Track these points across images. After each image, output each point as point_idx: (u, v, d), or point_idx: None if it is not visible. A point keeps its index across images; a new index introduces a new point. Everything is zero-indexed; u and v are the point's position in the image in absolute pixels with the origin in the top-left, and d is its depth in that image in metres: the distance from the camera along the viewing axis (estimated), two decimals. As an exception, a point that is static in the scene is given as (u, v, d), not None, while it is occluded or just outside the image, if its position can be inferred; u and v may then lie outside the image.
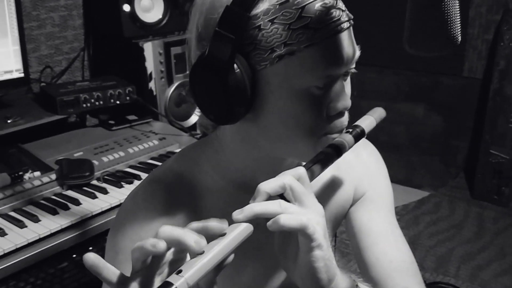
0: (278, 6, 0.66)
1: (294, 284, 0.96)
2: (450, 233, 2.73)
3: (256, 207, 0.61)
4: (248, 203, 0.62)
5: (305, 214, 0.62)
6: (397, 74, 3.31)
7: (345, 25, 0.69)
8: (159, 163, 1.71)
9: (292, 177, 0.64)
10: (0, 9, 1.74)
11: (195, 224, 0.59)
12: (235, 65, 0.67)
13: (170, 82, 2.11)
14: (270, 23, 0.66)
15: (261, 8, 0.67)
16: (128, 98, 1.93)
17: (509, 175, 2.94)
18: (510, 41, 2.68)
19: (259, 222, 0.62)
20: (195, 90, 0.71)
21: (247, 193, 0.78)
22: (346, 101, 0.72)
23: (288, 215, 0.61)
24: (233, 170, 0.81)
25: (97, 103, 1.87)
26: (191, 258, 0.56)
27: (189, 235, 0.55)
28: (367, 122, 0.82)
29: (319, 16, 0.66)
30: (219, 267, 0.57)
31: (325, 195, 0.91)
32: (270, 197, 0.63)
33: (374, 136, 0.90)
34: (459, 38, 0.69)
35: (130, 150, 1.75)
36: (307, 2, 0.66)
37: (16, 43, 1.80)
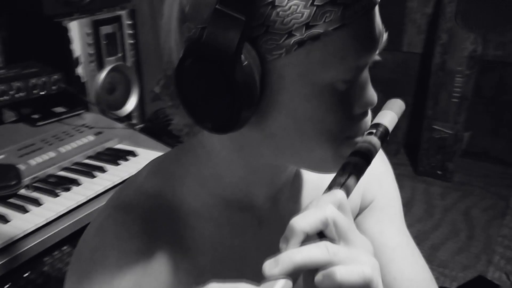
0: None
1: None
2: (400, 213, 2.69)
3: (297, 256, 0.43)
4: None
5: (361, 260, 0.45)
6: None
7: None
8: (98, 163, 1.48)
9: (334, 208, 0.47)
10: None
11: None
12: (242, 56, 0.48)
13: (100, 66, 1.88)
14: None
15: None
16: (54, 87, 1.66)
17: (453, 150, 2.94)
18: (452, 14, 2.62)
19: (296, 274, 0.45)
20: (183, 91, 0.52)
21: (241, 212, 0.65)
22: (374, 96, 0.58)
23: (346, 268, 0.43)
24: (223, 185, 0.64)
25: (17, 95, 1.59)
26: None
27: None
28: (389, 118, 0.67)
29: None
30: None
31: None
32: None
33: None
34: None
35: (62, 149, 1.51)
36: None
37: None
